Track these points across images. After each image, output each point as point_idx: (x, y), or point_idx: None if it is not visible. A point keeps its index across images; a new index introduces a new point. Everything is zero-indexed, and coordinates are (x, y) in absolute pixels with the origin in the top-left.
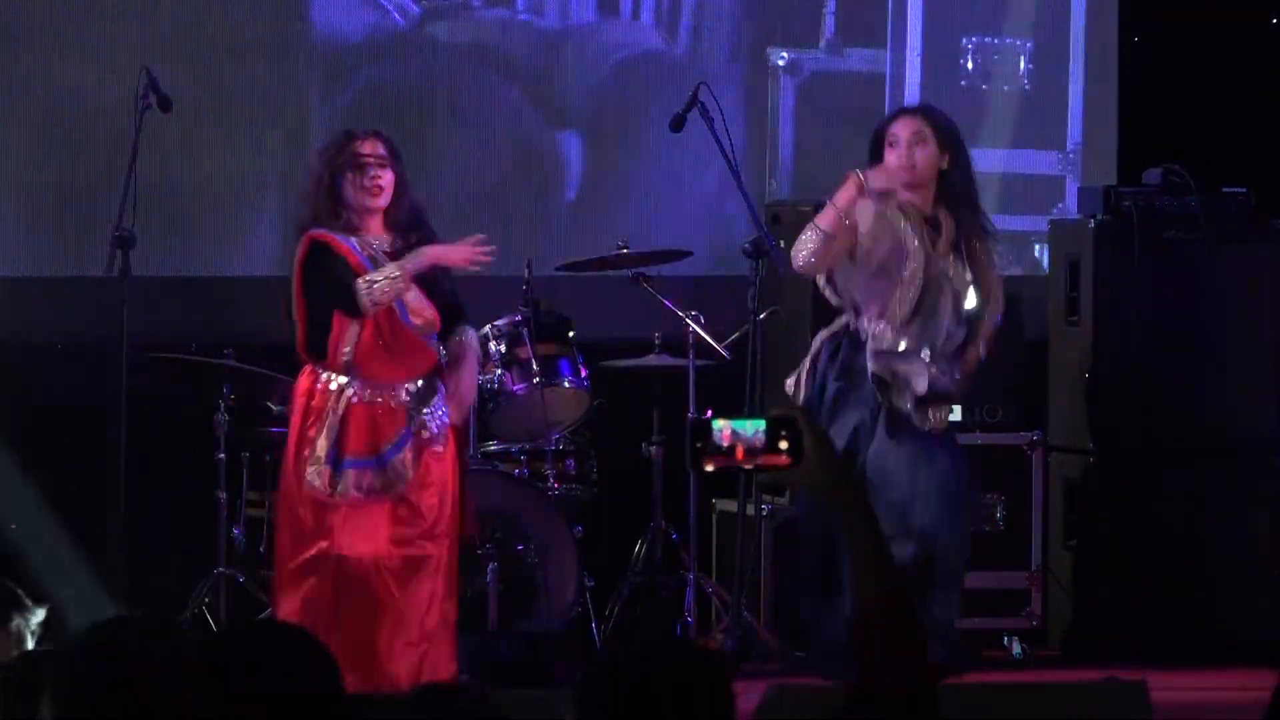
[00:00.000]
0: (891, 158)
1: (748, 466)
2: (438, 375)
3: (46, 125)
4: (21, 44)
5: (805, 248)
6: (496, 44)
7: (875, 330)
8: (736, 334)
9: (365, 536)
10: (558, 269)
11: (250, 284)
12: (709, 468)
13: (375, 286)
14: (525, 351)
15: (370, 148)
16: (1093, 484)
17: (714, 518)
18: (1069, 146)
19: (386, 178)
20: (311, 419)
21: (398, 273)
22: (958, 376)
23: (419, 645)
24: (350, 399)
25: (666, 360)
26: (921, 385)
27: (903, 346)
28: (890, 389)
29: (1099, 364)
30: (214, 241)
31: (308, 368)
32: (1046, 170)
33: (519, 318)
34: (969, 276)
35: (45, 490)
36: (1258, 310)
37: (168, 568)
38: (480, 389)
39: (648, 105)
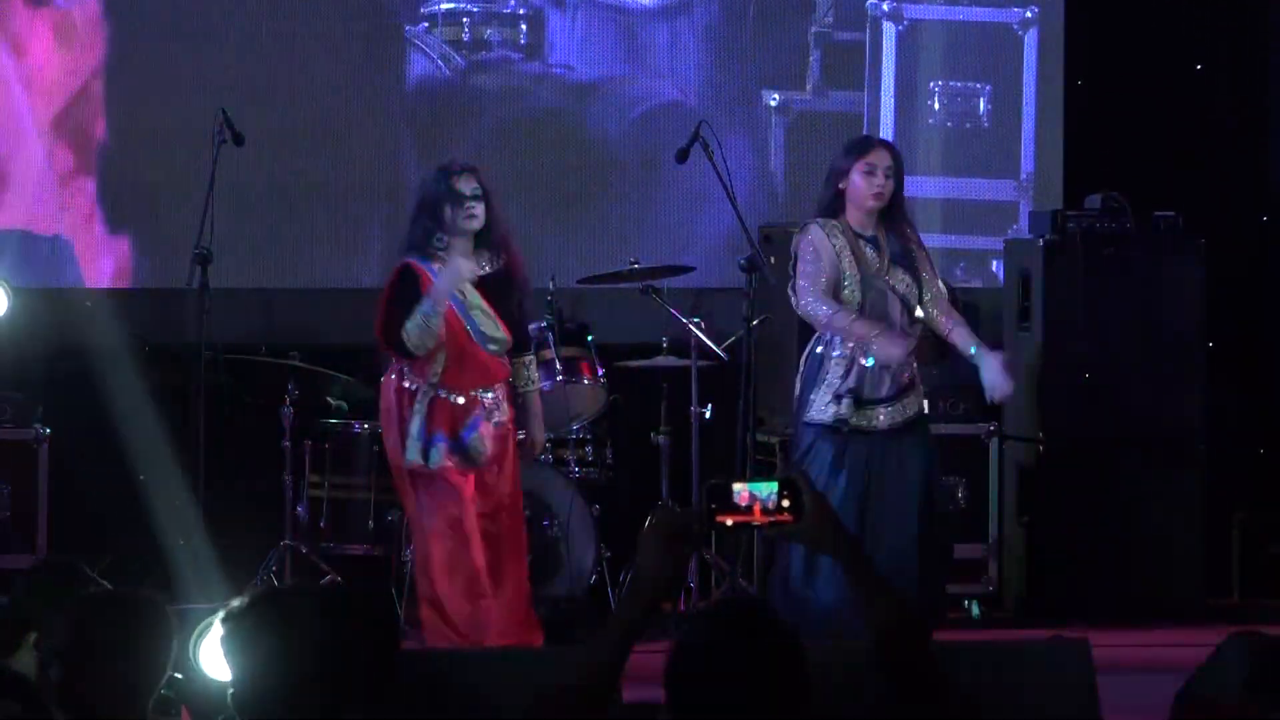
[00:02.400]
0: (864, 184)
1: (765, 523)
2: (506, 382)
3: (150, 162)
4: (132, 83)
5: (813, 318)
6: (533, 92)
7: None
8: (733, 338)
9: (455, 502)
10: (579, 282)
11: (314, 295)
12: (729, 523)
13: (411, 336)
14: (550, 353)
15: (468, 185)
16: (1042, 468)
17: None
18: (1022, 176)
19: (480, 208)
20: (406, 412)
21: (427, 312)
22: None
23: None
24: (437, 396)
25: (672, 361)
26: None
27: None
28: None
29: (1047, 364)
30: (282, 256)
31: (396, 368)
32: (1002, 197)
33: (545, 324)
34: (909, 280)
35: (136, 471)
36: (1185, 317)
37: (240, 541)
38: (511, 386)
39: (658, 143)
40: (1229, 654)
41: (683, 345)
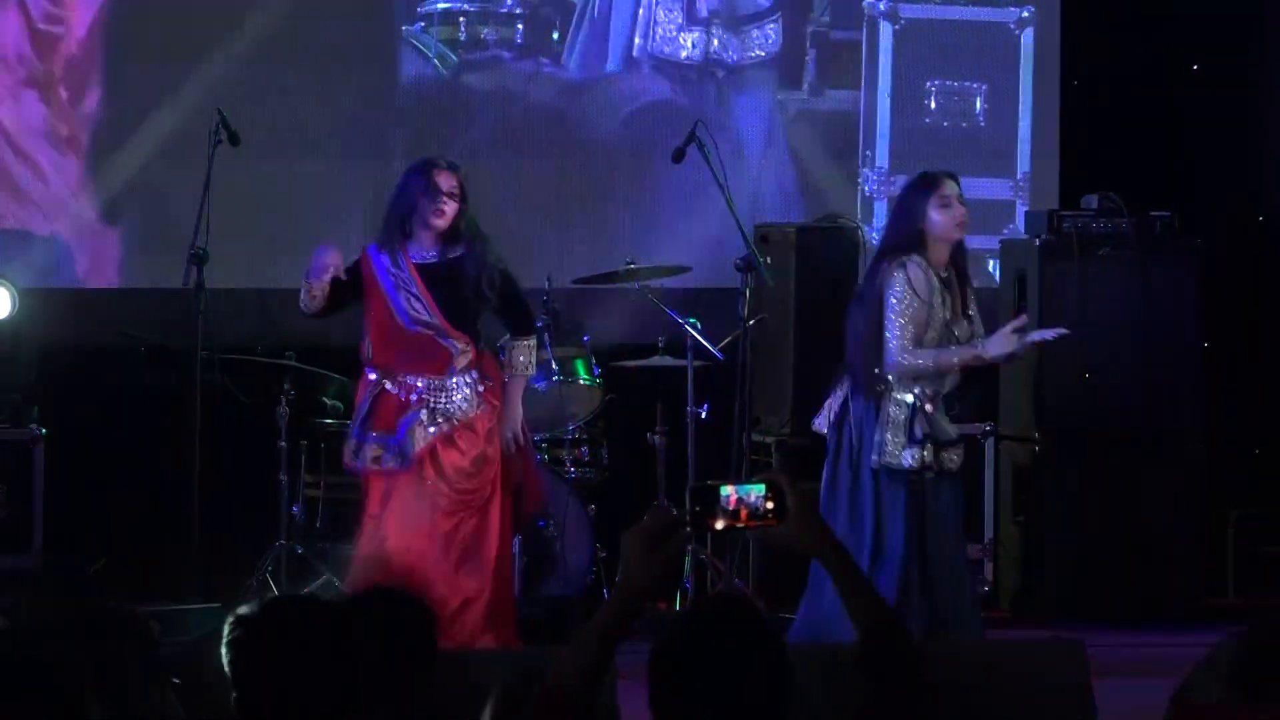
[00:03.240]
0: (944, 217)
1: (752, 526)
2: (469, 369)
3: (147, 162)
4: (130, 83)
5: (912, 370)
6: (529, 92)
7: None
8: (729, 338)
9: (398, 505)
10: (575, 282)
11: None
12: (719, 526)
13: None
14: (545, 353)
15: (446, 182)
16: (1038, 468)
17: None
18: (1018, 175)
19: (451, 207)
20: (358, 404)
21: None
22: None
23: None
24: (377, 386)
25: (668, 361)
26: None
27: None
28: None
29: (1043, 364)
30: (278, 256)
31: None
32: (998, 196)
33: (540, 324)
34: (971, 329)
35: (131, 473)
36: (1180, 317)
37: (236, 540)
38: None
39: (654, 142)
40: (1223, 655)
41: (679, 345)
